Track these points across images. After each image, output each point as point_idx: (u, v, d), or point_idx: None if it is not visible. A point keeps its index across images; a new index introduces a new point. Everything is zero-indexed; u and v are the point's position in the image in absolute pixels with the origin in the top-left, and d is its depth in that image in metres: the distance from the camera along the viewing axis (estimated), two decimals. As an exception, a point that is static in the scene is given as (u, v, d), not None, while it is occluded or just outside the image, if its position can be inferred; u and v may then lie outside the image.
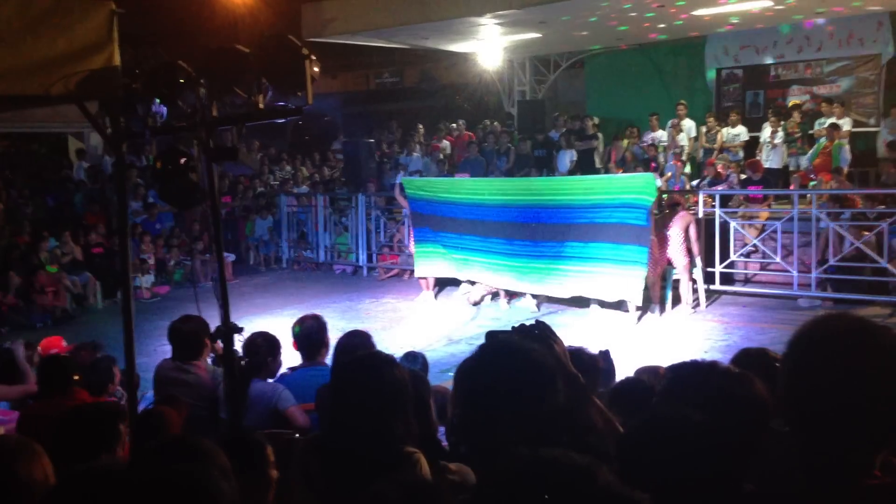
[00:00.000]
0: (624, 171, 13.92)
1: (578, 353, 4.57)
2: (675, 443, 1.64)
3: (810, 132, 13.75)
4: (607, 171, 14.81)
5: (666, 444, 1.66)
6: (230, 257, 14.92)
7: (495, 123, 17.96)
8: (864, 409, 1.56)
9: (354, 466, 2.27)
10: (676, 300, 10.54)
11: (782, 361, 1.68)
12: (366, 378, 2.40)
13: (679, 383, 1.95)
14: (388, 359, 2.52)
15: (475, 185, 11.60)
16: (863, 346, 1.60)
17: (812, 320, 1.71)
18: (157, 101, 4.16)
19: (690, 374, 1.96)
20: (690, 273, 10.36)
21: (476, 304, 11.48)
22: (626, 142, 15.53)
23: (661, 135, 15.18)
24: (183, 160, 4.05)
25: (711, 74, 16.73)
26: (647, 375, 3.43)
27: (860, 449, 1.59)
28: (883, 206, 11.01)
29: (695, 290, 10.62)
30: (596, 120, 16.55)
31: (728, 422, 1.75)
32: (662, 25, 14.91)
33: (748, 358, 2.92)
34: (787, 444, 1.59)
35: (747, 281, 11.59)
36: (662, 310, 10.42)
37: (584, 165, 15.29)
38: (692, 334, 9.63)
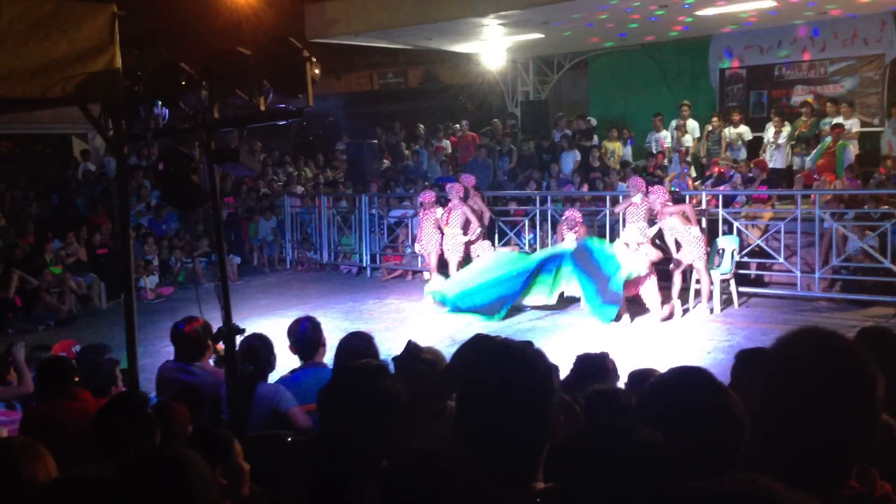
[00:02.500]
0: (621, 173, 13.96)
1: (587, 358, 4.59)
2: (606, 457, 1.64)
3: (816, 132, 13.72)
4: (605, 171, 14.80)
5: (596, 458, 1.65)
6: (235, 260, 14.94)
7: (507, 121, 17.99)
8: (838, 424, 1.57)
9: (339, 476, 2.28)
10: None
11: (758, 378, 1.69)
12: (355, 389, 2.41)
13: (650, 396, 1.95)
14: (380, 369, 2.52)
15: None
16: (836, 361, 1.62)
17: (786, 336, 1.73)
18: (159, 103, 4.18)
19: (662, 387, 1.95)
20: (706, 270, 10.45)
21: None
22: (616, 144, 15.55)
23: (665, 135, 15.18)
24: (185, 162, 4.07)
25: (715, 74, 16.72)
26: (639, 380, 3.43)
27: (835, 461, 1.60)
28: (887, 207, 10.99)
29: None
30: (594, 122, 16.63)
31: (693, 437, 1.74)
32: (666, 25, 14.90)
33: (744, 359, 2.93)
34: (765, 456, 1.60)
35: (751, 282, 11.57)
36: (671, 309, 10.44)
37: (584, 166, 15.28)
38: (695, 335, 9.61)
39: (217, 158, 4.08)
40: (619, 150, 15.62)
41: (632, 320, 10.20)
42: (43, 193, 16.55)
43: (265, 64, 3.95)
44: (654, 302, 10.12)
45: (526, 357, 1.83)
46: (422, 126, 18.76)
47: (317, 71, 3.89)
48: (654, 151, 14.90)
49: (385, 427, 2.31)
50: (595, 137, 16.21)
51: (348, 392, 2.40)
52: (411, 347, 2.48)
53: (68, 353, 6.15)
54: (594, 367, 4.48)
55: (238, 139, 4.24)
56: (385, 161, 17.91)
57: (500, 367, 1.82)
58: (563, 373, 4.29)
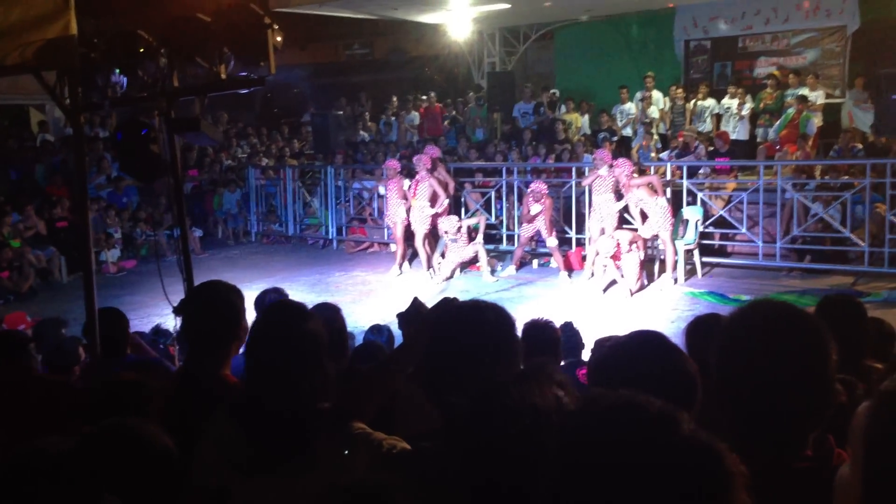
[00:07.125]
0: (592, 145, 13.98)
1: (536, 325, 4.62)
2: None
3: (780, 105, 13.84)
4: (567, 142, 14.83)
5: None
6: (198, 233, 14.76)
7: (470, 94, 17.97)
8: (791, 390, 1.61)
9: (272, 425, 2.25)
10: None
11: (714, 345, 1.72)
12: (275, 332, 2.39)
13: (609, 359, 1.98)
14: (300, 311, 2.49)
15: None
16: (791, 330, 1.65)
17: (741, 307, 1.78)
18: (117, 71, 4.08)
19: (620, 349, 1.98)
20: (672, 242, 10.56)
21: (447, 279, 11.49)
22: (574, 115, 15.57)
23: (630, 107, 15.21)
24: (144, 132, 3.99)
25: (680, 45, 16.76)
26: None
27: (790, 428, 1.64)
28: (847, 177, 11.16)
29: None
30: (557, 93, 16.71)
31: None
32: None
33: (701, 324, 2.96)
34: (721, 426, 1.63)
35: (714, 252, 11.70)
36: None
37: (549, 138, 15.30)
38: (659, 305, 9.73)
39: (177, 128, 4.00)
40: (577, 121, 15.64)
41: (604, 291, 10.28)
42: (1, 166, 16.15)
43: (226, 31, 3.88)
44: (631, 276, 10.16)
45: (484, 311, 1.99)
46: (395, 98, 18.65)
47: (279, 38, 3.83)
48: (620, 123, 14.98)
49: (318, 365, 2.32)
50: (561, 108, 16.24)
51: (266, 337, 2.38)
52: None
53: (25, 325, 6.04)
54: (541, 339, 4.51)
55: (199, 108, 4.16)
56: (361, 133, 17.82)
57: (460, 321, 2.00)
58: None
